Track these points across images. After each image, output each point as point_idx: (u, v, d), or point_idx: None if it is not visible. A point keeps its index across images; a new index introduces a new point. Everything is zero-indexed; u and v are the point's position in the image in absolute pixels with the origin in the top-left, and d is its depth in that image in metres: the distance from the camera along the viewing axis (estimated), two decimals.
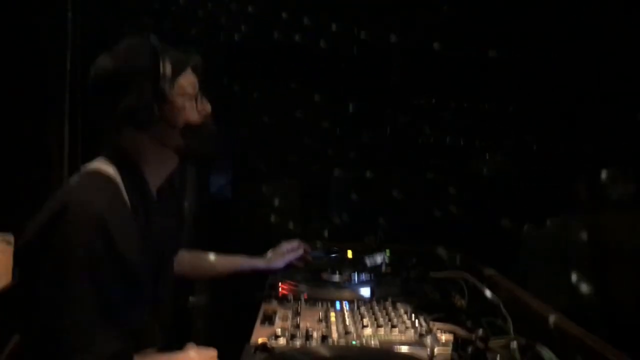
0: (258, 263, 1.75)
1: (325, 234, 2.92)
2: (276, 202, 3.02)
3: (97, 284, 1.07)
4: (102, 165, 1.19)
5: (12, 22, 2.23)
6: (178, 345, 1.29)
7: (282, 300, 1.57)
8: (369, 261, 1.94)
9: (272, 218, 2.98)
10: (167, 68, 1.18)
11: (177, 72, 1.21)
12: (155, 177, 1.27)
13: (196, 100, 1.25)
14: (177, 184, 1.47)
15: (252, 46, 2.88)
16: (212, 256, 1.73)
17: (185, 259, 1.63)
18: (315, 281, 1.73)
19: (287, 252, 1.79)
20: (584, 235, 2.29)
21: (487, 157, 3.06)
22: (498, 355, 1.19)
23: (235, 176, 3.15)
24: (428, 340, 1.29)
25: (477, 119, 2.99)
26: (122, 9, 2.39)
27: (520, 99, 2.86)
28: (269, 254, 1.78)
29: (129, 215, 1.16)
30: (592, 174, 2.41)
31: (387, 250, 1.98)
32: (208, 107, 1.28)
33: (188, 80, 1.23)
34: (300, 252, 1.83)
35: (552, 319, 1.30)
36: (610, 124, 2.48)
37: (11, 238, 2.12)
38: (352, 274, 1.78)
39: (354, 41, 2.89)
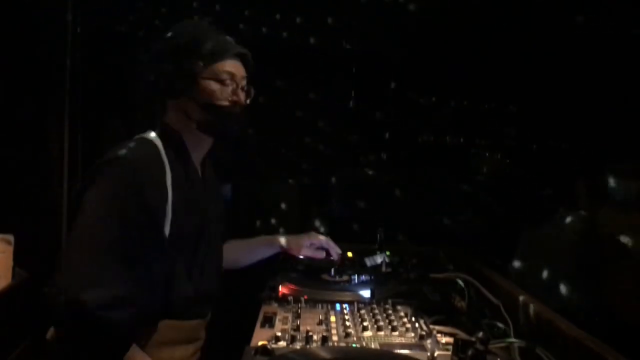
0: (282, 241, 1.77)
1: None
2: (276, 202, 3.01)
3: (122, 229, 1.18)
4: (149, 135, 1.36)
5: (13, 22, 2.23)
6: None
7: (282, 301, 1.57)
8: (369, 262, 1.94)
9: (272, 218, 2.97)
10: (204, 52, 1.33)
11: (214, 58, 1.34)
12: (196, 150, 1.42)
13: (227, 86, 1.36)
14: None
15: (251, 45, 2.87)
16: (243, 242, 1.77)
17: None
18: (315, 282, 1.73)
19: (306, 247, 1.79)
20: (584, 236, 2.28)
21: (487, 157, 3.06)
22: (498, 358, 1.19)
23: (235, 176, 3.15)
24: (428, 342, 1.30)
25: (477, 118, 2.98)
26: (121, 8, 2.39)
27: (520, 99, 2.85)
28: (290, 238, 1.79)
29: (163, 174, 1.30)
30: (592, 174, 2.41)
31: (387, 251, 1.97)
32: (242, 98, 1.40)
33: (224, 68, 1.36)
34: (322, 254, 1.81)
35: (551, 320, 1.30)
36: (611, 123, 2.47)
37: (11, 238, 2.12)
38: (352, 275, 1.78)
39: (353, 40, 2.88)
